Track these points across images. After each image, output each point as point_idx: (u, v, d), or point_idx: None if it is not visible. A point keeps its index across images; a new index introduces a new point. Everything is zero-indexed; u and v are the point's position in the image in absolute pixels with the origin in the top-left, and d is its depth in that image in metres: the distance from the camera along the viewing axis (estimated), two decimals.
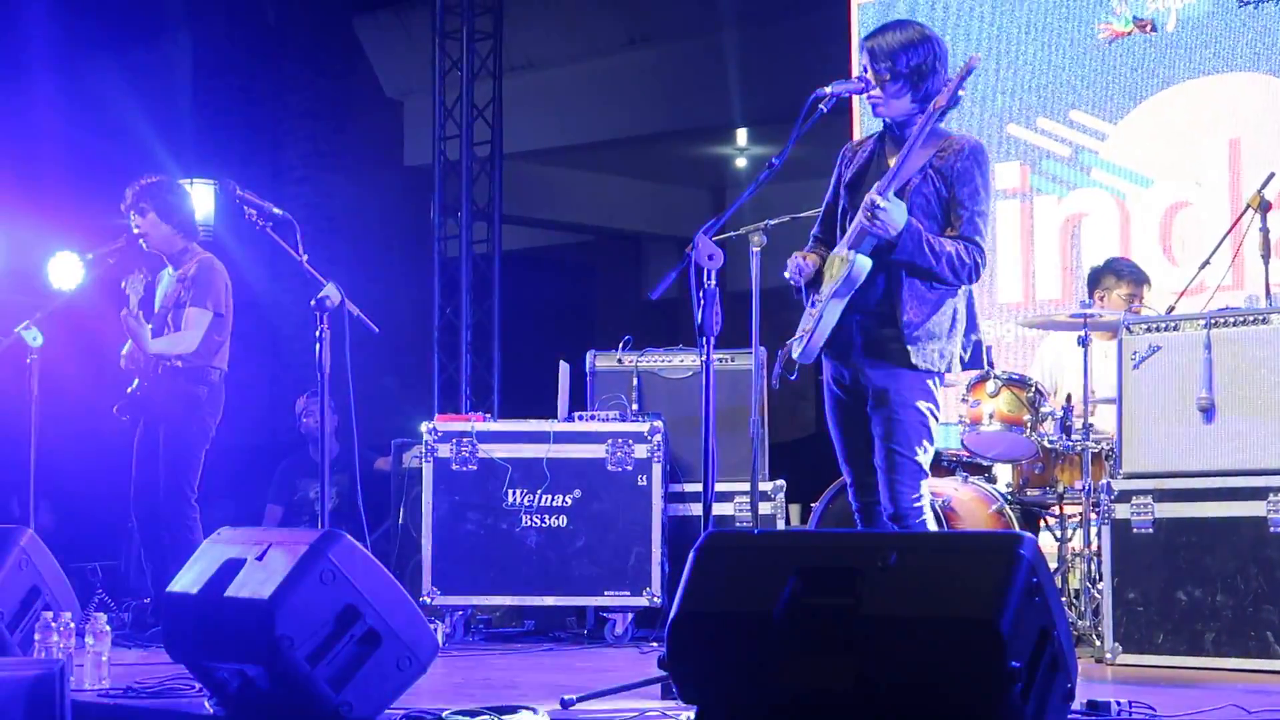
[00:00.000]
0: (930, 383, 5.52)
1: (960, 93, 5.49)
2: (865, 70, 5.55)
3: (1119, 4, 9.22)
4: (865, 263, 5.42)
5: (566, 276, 17.76)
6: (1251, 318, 6.52)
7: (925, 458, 5.53)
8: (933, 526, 5.62)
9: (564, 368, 8.26)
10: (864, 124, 9.53)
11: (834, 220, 5.70)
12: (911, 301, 5.45)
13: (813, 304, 5.56)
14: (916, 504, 5.49)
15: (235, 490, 10.84)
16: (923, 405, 5.50)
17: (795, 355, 5.59)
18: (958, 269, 5.44)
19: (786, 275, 5.66)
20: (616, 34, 14.51)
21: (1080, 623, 7.13)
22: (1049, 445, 7.46)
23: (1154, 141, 9.13)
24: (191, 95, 14.88)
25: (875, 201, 5.34)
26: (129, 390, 7.80)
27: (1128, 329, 6.76)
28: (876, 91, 5.53)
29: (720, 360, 8.02)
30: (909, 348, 5.44)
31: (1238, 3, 8.85)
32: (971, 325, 5.61)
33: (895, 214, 5.34)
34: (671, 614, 4.25)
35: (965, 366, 5.61)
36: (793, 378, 6.18)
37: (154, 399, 7.73)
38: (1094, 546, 7.17)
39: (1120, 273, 8.05)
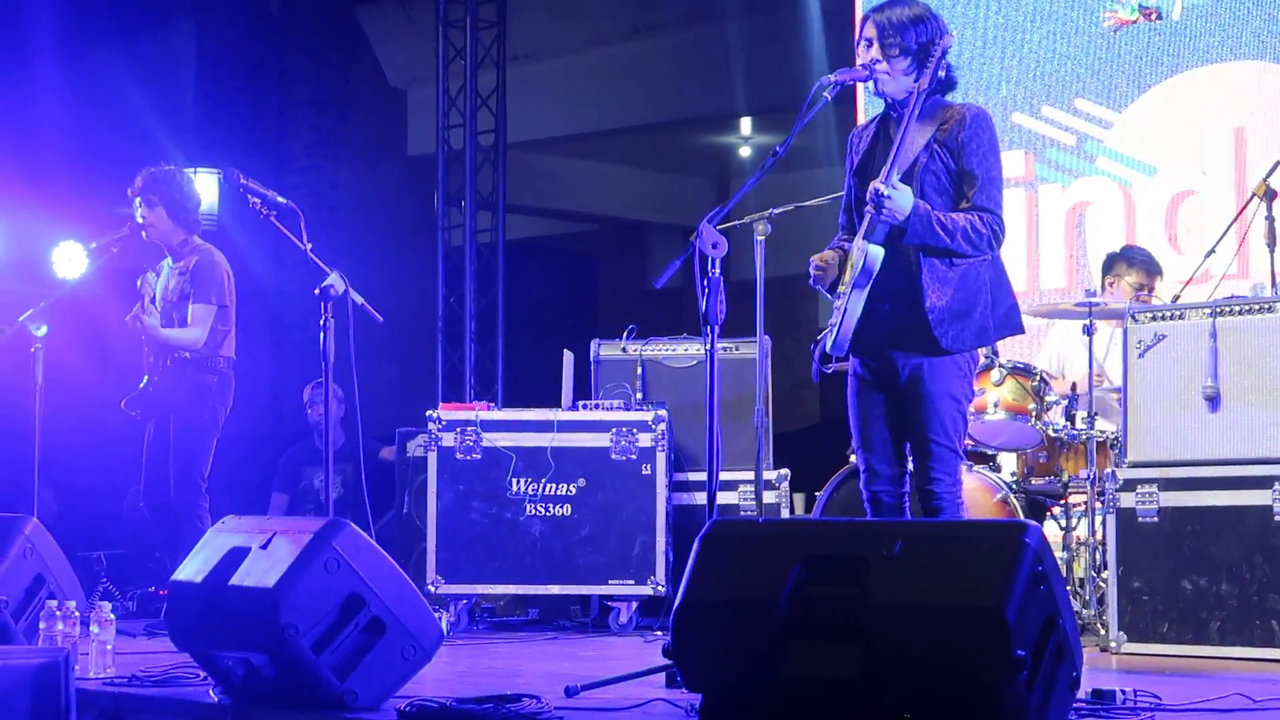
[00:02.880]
0: (963, 364, 5.51)
1: (941, 73, 5.45)
2: (870, 45, 5.52)
3: None
4: (878, 252, 5.40)
5: (570, 266, 17.74)
6: (1257, 306, 6.50)
7: (960, 444, 5.53)
8: (964, 513, 5.62)
9: (568, 356, 8.25)
10: (868, 112, 9.50)
11: (854, 208, 5.70)
12: (933, 285, 5.42)
13: (837, 296, 5.55)
14: (954, 490, 5.49)
15: (240, 479, 10.83)
16: (956, 391, 5.49)
17: (828, 348, 5.58)
18: (975, 240, 5.41)
19: (811, 281, 5.65)
20: (621, 22, 14.50)
21: (1085, 612, 7.13)
22: (1054, 434, 7.46)
23: (1159, 130, 9.12)
24: (195, 84, 14.87)
25: (879, 190, 5.33)
26: (140, 386, 7.82)
27: (1133, 318, 6.74)
28: (883, 66, 5.49)
29: (724, 349, 8.01)
30: (936, 333, 5.43)
31: None
32: (1005, 290, 5.58)
33: (901, 200, 5.33)
34: (676, 602, 4.24)
35: (1003, 332, 5.58)
36: (829, 370, 6.17)
37: (163, 391, 7.76)
38: (1099, 535, 7.17)
39: (1132, 260, 8.03)
